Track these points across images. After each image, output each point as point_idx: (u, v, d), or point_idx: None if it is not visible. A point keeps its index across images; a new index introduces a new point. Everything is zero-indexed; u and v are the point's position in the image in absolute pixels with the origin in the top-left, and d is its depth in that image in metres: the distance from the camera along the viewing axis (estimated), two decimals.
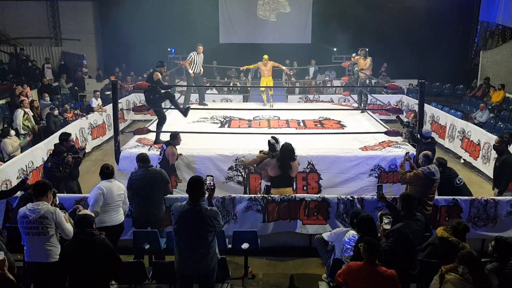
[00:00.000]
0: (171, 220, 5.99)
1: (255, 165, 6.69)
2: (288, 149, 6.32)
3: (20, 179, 6.62)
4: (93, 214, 4.38)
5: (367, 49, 10.85)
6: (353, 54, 11.51)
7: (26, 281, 4.70)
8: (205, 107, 11.02)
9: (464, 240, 4.61)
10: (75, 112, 11.47)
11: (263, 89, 11.38)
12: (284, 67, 12.52)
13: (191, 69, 10.69)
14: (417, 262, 4.47)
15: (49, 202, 4.49)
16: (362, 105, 11.09)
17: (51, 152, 7.21)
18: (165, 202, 5.99)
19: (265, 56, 11.16)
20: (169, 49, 17.24)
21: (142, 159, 5.98)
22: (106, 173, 5.37)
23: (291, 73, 16.17)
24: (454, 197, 6.23)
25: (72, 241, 4.17)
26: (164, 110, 8.35)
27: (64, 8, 18.54)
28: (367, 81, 11.02)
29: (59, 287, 4.43)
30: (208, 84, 14.36)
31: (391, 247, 4.25)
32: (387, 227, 4.53)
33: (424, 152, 6.14)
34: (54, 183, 6.30)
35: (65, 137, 7.37)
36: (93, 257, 4.02)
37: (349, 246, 4.58)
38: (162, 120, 8.04)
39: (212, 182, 4.36)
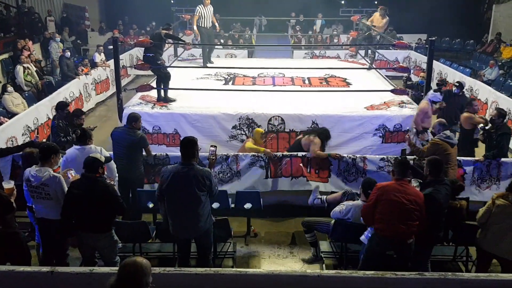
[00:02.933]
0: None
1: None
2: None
3: (29, 140, 6.62)
4: (102, 159, 4.38)
5: (386, 8, 10.49)
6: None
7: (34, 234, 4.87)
8: (211, 64, 10.73)
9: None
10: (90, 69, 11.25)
11: None
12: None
13: (201, 24, 10.26)
14: (443, 225, 4.53)
15: (53, 166, 4.50)
16: (369, 61, 10.87)
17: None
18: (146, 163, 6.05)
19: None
20: None
21: (128, 118, 5.87)
22: (76, 137, 5.27)
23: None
24: (457, 157, 6.22)
25: (78, 183, 4.27)
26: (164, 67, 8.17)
27: None
28: (378, 37, 10.73)
29: (65, 241, 4.59)
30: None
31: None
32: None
33: (439, 120, 6.12)
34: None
35: (79, 113, 6.76)
36: (95, 201, 4.15)
37: None
38: (165, 78, 7.87)
39: (215, 153, 4.41)
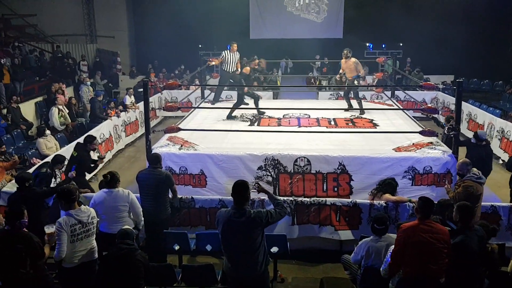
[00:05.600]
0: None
1: None
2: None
3: (66, 177, 6.79)
4: (134, 230, 4.49)
5: (347, 50, 10.07)
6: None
7: (66, 281, 4.74)
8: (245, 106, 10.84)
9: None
10: (117, 111, 11.58)
11: None
12: None
13: (224, 68, 10.70)
14: (478, 275, 4.34)
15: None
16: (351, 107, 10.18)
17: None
18: (171, 204, 6.03)
19: None
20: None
21: (150, 159, 6.04)
22: (105, 182, 5.30)
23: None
24: (492, 203, 6.00)
25: (114, 250, 4.32)
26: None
27: (99, 6, 18.97)
28: (355, 81, 10.19)
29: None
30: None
31: (454, 261, 4.15)
32: None
33: (463, 160, 5.95)
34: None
35: (90, 139, 7.46)
36: (130, 268, 4.20)
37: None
38: (239, 101, 9.43)
39: (255, 186, 4.43)
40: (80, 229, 4.47)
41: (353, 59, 9.97)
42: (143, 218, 5.40)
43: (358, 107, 9.96)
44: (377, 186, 6.47)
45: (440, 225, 4.23)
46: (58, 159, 6.95)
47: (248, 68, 9.60)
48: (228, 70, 10.74)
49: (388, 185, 6.29)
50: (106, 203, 5.14)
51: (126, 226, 4.50)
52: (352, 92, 10.29)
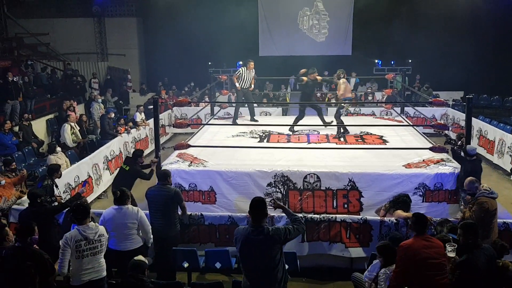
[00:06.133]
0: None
1: None
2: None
3: (76, 193, 6.83)
4: (146, 261, 4.46)
5: (340, 71, 9.77)
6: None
7: None
8: (255, 123, 10.84)
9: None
10: (126, 127, 11.66)
11: None
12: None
13: (239, 84, 10.75)
14: None
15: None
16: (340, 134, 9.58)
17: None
18: (180, 220, 6.01)
19: None
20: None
21: (159, 175, 6.04)
22: (115, 198, 5.31)
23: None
24: (504, 220, 5.91)
25: (123, 281, 4.32)
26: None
27: (110, 25, 19.26)
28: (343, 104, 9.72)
29: None
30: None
31: (459, 280, 4.10)
32: (452, 255, 4.32)
33: (470, 179, 5.85)
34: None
35: (140, 153, 7.59)
36: None
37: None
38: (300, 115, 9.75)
39: (271, 202, 4.37)
40: (86, 246, 4.45)
41: (341, 81, 9.69)
42: (152, 236, 5.39)
43: (338, 126, 9.62)
44: (391, 202, 6.37)
45: (436, 239, 4.27)
46: (53, 168, 7.01)
47: (305, 78, 9.64)
48: (243, 86, 10.82)
49: (402, 203, 6.18)
50: (116, 220, 5.15)
51: (140, 257, 4.42)
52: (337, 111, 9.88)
